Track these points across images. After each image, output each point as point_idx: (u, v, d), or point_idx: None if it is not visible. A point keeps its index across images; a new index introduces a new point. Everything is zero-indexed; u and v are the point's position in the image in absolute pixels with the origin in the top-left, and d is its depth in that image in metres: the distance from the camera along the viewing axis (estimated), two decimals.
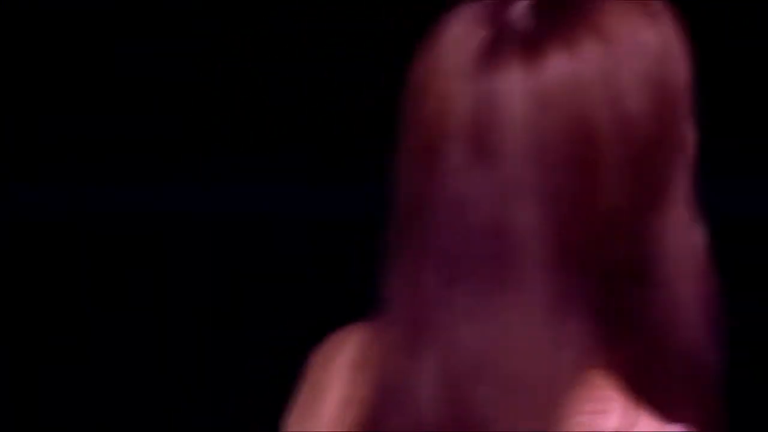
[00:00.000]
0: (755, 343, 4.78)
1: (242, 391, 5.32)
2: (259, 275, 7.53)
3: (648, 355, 0.86)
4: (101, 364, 5.65)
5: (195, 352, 5.80)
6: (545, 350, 0.85)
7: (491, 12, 0.84)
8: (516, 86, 0.83)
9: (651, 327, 0.86)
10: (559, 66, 0.83)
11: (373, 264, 0.93)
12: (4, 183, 8.16)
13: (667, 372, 0.86)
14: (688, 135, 0.84)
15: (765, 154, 4.99)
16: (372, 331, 0.91)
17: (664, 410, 0.85)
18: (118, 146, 10.36)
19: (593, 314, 0.85)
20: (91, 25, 9.54)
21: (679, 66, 0.84)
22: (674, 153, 0.84)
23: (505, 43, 0.84)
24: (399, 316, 0.87)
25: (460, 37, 0.87)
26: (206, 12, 9.98)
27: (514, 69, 0.82)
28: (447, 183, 0.87)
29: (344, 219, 8.18)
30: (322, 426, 0.94)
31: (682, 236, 0.86)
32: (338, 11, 9.45)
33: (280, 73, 10.66)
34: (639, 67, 0.83)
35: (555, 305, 0.85)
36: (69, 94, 9.66)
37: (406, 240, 0.88)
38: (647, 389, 0.86)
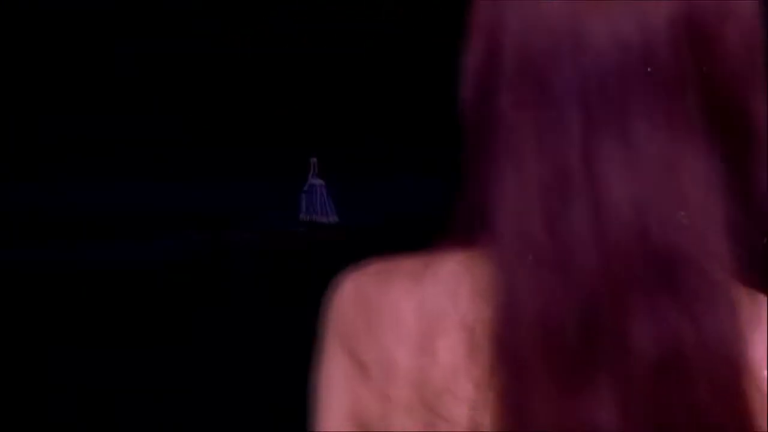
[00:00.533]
0: None
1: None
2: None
3: (753, 211, 0.89)
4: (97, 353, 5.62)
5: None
6: (696, 172, 0.86)
7: None
8: None
9: (754, 179, 0.90)
10: None
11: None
12: None
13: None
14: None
15: None
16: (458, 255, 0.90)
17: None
18: (116, 145, 10.33)
19: (719, 157, 0.88)
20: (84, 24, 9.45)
21: None
22: (761, 47, 0.90)
23: None
24: (534, 184, 0.86)
25: None
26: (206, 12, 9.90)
27: None
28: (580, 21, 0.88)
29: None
30: (445, 363, 0.91)
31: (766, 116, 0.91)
32: (339, 11, 9.42)
33: (279, 72, 10.61)
34: None
35: (697, 138, 0.87)
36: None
37: (528, 113, 0.87)
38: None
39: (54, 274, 7.63)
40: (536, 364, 0.83)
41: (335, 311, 0.91)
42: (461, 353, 0.85)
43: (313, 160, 10.60)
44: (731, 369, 0.81)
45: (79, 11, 9.51)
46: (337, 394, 0.91)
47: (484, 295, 0.85)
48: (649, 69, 0.84)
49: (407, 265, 0.91)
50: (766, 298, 0.85)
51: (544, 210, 0.84)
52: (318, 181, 9.83)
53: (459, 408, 0.84)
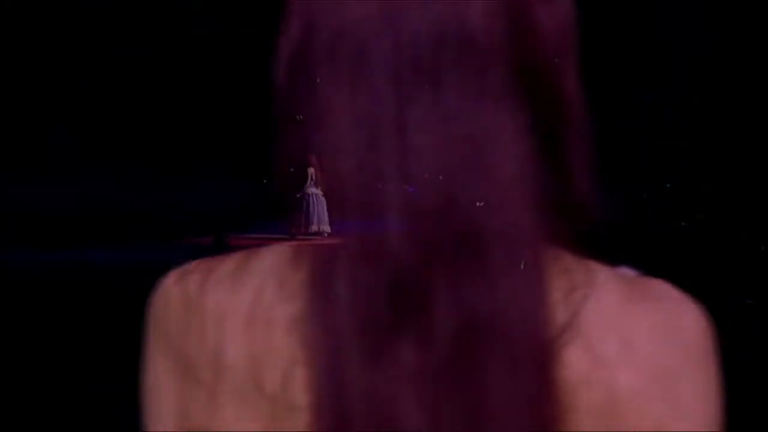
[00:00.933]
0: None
1: None
2: None
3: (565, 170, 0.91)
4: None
5: None
6: (505, 146, 0.87)
7: None
8: None
9: (569, 157, 0.92)
10: None
11: None
12: None
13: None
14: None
15: None
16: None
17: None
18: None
19: (530, 123, 0.89)
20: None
21: None
22: (572, 36, 0.92)
23: None
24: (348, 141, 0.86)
25: None
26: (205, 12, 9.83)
27: None
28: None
29: None
30: (283, 344, 0.90)
31: (578, 96, 0.93)
32: None
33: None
34: None
35: (506, 103, 0.88)
36: None
37: (335, 79, 0.88)
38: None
39: (54, 274, 7.62)
40: (349, 337, 0.84)
41: (158, 313, 0.90)
42: (294, 340, 0.85)
43: (311, 169, 10.49)
44: (531, 342, 0.81)
45: (77, 11, 9.48)
46: (164, 399, 0.90)
47: (304, 277, 0.86)
48: (462, 43, 0.85)
49: (228, 261, 0.91)
50: (601, 267, 0.86)
51: (357, 184, 0.85)
52: (314, 191, 9.79)
53: (302, 395, 0.83)
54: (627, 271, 0.86)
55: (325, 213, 10.75)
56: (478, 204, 0.81)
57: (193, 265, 0.89)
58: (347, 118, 0.83)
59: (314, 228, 9.98)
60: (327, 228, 10.43)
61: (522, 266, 0.80)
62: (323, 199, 10.88)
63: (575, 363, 0.81)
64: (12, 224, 8.35)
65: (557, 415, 0.81)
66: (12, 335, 5.93)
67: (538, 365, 0.80)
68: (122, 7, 9.68)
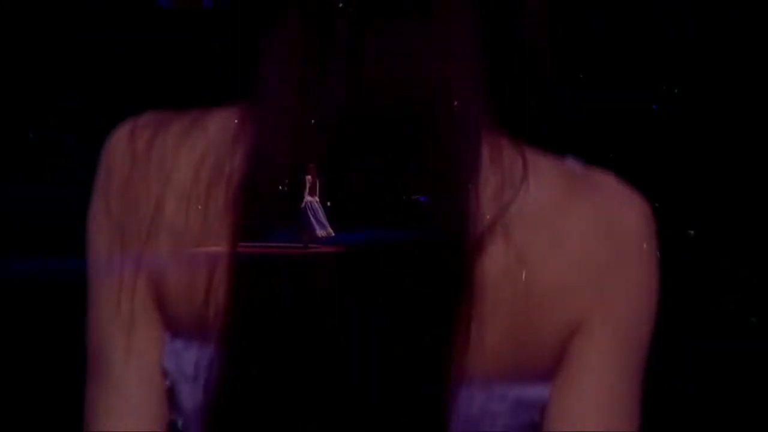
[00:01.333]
0: None
1: None
2: None
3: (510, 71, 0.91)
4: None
5: None
6: (452, 45, 0.87)
7: None
8: None
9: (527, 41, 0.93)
10: None
11: None
12: None
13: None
14: None
15: None
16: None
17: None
18: None
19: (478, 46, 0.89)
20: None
21: None
22: None
23: None
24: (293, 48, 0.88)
25: None
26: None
27: None
28: None
29: None
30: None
31: (543, 10, 0.94)
32: None
33: None
34: None
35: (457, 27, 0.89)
36: None
37: None
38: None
39: (56, 277, 7.64)
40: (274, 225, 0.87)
41: (107, 160, 0.93)
42: (223, 204, 0.87)
43: (308, 176, 10.46)
44: (454, 237, 0.81)
45: (77, 11, 9.52)
46: (98, 255, 0.92)
47: (243, 148, 0.88)
48: None
49: (179, 121, 0.93)
50: (543, 159, 0.86)
51: (302, 74, 0.86)
52: (310, 198, 9.78)
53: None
54: (572, 163, 0.86)
55: (324, 217, 10.78)
56: (417, 95, 0.83)
57: (145, 118, 0.91)
58: (300, 22, 0.84)
59: (322, 233, 9.97)
60: (331, 231, 10.42)
61: (455, 161, 0.81)
62: (320, 206, 10.85)
63: (499, 258, 0.81)
64: (13, 229, 8.38)
65: (475, 309, 0.81)
66: (17, 342, 5.95)
67: (459, 260, 0.80)
68: (123, 7, 9.71)
